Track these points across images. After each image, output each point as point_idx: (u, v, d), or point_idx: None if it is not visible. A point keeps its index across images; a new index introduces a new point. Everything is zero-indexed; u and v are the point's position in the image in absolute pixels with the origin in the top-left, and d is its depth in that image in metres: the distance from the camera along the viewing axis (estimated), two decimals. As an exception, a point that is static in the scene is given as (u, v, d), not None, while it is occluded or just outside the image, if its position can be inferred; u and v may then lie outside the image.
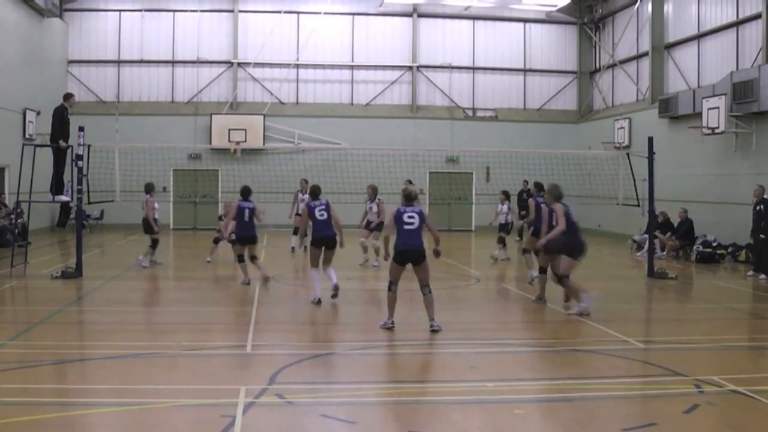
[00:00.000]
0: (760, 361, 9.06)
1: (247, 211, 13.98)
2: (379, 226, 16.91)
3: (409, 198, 10.16)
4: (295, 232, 20.62)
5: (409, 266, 10.07)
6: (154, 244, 16.76)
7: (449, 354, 9.02)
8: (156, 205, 16.85)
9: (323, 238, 11.95)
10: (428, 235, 10.28)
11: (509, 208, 18.81)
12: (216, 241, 17.59)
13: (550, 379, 8.02)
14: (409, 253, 9.88)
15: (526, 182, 25.04)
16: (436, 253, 10.14)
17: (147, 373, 7.89)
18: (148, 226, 16.77)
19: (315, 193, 12.44)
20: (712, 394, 7.17)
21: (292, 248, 20.08)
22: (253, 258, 14.12)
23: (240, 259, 14.11)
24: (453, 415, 6.63)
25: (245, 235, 14.03)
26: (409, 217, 9.93)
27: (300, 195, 19.89)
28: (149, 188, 16.93)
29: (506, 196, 18.94)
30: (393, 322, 9.97)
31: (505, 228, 18.83)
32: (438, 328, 9.85)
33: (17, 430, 5.98)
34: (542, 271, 12.37)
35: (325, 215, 12.05)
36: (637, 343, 9.54)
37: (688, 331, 10.26)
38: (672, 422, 6.43)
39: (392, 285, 10.04)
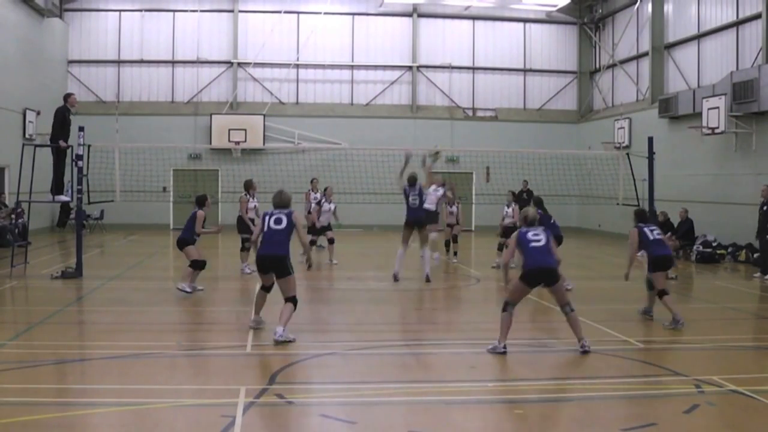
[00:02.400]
0: (760, 361, 9.06)
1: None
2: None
3: (528, 221, 9.41)
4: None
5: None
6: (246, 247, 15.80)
7: (449, 354, 9.01)
8: (251, 205, 15.92)
9: (415, 219, 14.54)
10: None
11: (514, 211, 17.53)
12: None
13: (550, 379, 8.02)
14: (541, 272, 8.97)
15: (526, 182, 25.05)
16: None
17: (147, 373, 7.89)
18: (243, 226, 15.78)
19: (412, 181, 14.63)
20: (712, 394, 7.17)
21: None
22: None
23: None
24: (453, 415, 6.63)
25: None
26: (534, 235, 9.15)
27: (312, 194, 19.98)
28: (247, 186, 16.15)
29: (514, 196, 17.86)
30: (505, 347, 8.87)
31: (510, 232, 17.95)
32: (588, 349, 8.89)
33: (17, 430, 5.98)
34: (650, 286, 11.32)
35: (417, 201, 14.57)
36: (637, 343, 9.54)
37: (688, 331, 10.25)
38: (672, 422, 6.43)
39: (509, 306, 9.08)
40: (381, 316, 11.54)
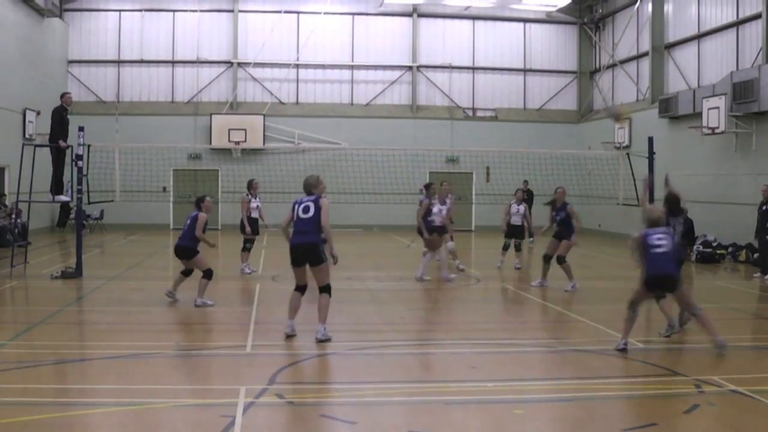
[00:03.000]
0: (760, 361, 9.05)
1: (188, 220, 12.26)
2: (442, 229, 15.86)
3: (654, 221, 9.02)
4: None
5: None
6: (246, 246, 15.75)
7: (449, 354, 9.01)
8: (254, 204, 15.77)
9: (437, 227, 14.72)
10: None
11: (526, 209, 17.19)
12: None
13: (550, 379, 8.01)
14: (662, 279, 8.77)
15: (526, 182, 25.04)
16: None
17: (147, 373, 7.89)
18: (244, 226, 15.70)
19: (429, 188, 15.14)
20: (712, 394, 7.17)
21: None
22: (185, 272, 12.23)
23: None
24: (453, 415, 6.63)
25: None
26: (658, 239, 8.77)
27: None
28: (248, 185, 16.08)
29: (524, 194, 17.18)
30: (626, 344, 8.85)
31: (519, 232, 17.16)
32: (723, 346, 8.73)
33: (17, 430, 5.98)
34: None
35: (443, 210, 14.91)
36: (637, 343, 9.53)
37: (689, 331, 10.24)
38: (672, 422, 6.43)
39: (634, 305, 8.94)
40: (381, 316, 11.54)
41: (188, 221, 12.23)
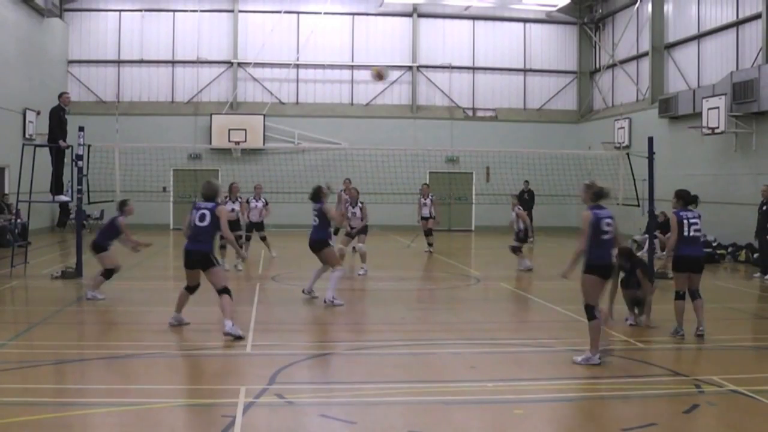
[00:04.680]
0: (760, 361, 9.05)
1: None
2: (363, 230, 16.10)
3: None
4: (336, 232, 20.59)
5: None
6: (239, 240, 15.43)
7: (449, 354, 9.01)
8: (229, 207, 15.36)
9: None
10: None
11: (517, 215, 17.00)
12: None
13: (550, 379, 8.01)
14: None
15: (527, 182, 25.04)
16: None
17: (147, 373, 7.89)
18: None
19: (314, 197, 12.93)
20: (712, 394, 7.17)
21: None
22: None
23: None
24: (453, 415, 6.63)
25: None
26: (608, 224, 8.22)
27: (345, 196, 20.02)
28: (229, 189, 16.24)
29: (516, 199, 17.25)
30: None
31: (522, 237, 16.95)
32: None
33: (17, 430, 5.98)
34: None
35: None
36: (637, 343, 9.53)
37: (688, 331, 10.24)
38: (672, 422, 6.43)
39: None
40: (381, 316, 11.54)
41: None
